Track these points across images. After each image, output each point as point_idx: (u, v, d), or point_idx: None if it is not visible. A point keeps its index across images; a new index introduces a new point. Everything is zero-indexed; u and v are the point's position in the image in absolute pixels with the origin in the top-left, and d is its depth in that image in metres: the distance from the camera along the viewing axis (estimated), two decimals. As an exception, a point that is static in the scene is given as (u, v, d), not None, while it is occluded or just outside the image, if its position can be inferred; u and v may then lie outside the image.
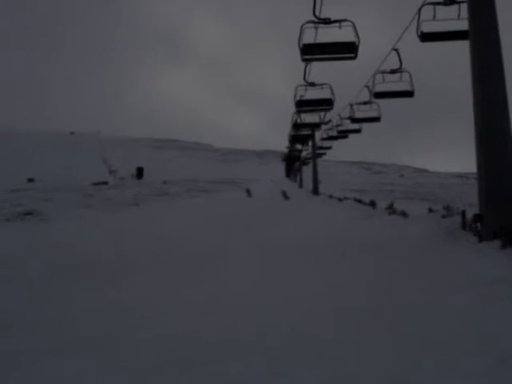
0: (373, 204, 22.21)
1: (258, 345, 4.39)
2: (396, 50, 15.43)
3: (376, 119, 22.40)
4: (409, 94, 17.56)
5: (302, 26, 11.67)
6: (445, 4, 12.64)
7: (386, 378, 3.54)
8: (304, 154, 55.96)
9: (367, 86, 18.82)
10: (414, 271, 7.59)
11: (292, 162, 72.59)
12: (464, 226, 10.62)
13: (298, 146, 52.17)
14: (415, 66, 17.41)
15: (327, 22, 11.60)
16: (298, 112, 24.39)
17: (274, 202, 31.34)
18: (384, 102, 20.94)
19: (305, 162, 59.69)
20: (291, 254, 10.35)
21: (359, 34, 11.73)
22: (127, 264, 9.94)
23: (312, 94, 17.55)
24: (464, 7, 10.88)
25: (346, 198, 30.02)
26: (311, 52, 12.03)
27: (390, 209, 18.63)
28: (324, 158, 50.14)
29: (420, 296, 5.83)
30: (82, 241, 14.41)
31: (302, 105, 18.22)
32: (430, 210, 16.11)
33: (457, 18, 12.46)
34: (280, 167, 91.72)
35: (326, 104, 18.01)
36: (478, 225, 9.69)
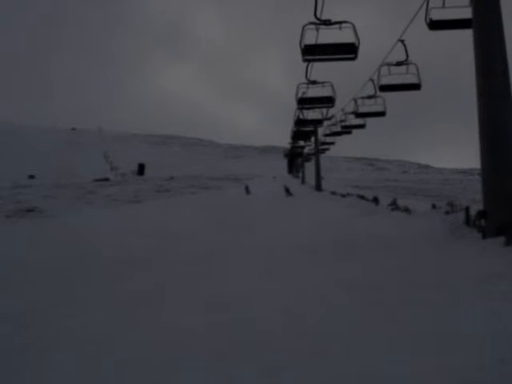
0: (376, 200, 22.04)
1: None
2: (402, 41, 15.09)
3: (381, 114, 21.98)
4: (415, 86, 17.12)
5: (303, 28, 11.89)
6: None
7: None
8: (307, 149, 55.80)
9: (372, 80, 18.50)
10: (417, 268, 7.50)
11: (294, 158, 72.55)
12: (468, 222, 10.48)
13: (301, 142, 52.00)
14: (421, 57, 17.04)
15: (328, 23, 11.80)
16: (300, 109, 24.48)
17: (276, 199, 31.22)
18: (387, 97, 20.71)
19: (307, 158, 59.58)
20: (294, 251, 10.21)
21: (359, 35, 11.88)
22: (129, 262, 9.80)
23: (314, 92, 17.72)
24: None
25: (348, 194, 29.86)
26: (312, 53, 12.25)
27: (394, 205, 18.47)
28: (327, 153, 50.09)
29: (424, 292, 5.77)
30: (83, 238, 14.28)
31: (304, 102, 18.54)
32: (434, 207, 15.95)
33: (467, 6, 12.18)
34: (282, 163, 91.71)
35: (328, 102, 18.30)
36: (482, 221, 9.54)
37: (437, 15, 12.68)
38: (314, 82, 16.87)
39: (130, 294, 6.87)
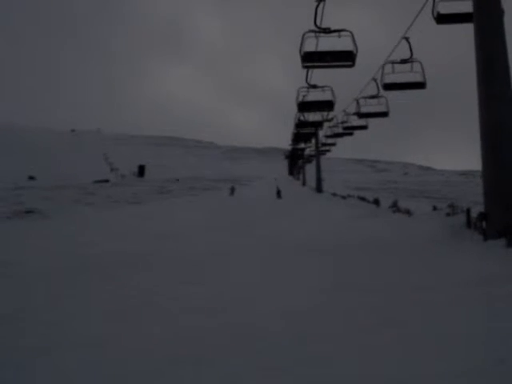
0: (377, 202, 22.04)
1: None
2: (406, 38, 14.88)
3: (384, 114, 21.57)
4: (420, 85, 16.75)
5: (303, 35, 12.13)
6: None
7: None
8: (307, 151, 55.75)
9: (375, 79, 18.24)
10: (418, 270, 7.49)
11: (295, 160, 72.55)
12: (469, 224, 10.45)
13: (302, 144, 51.95)
14: (424, 56, 16.74)
15: (327, 31, 12.09)
16: (300, 113, 24.58)
17: (276, 201, 31.19)
18: (389, 98, 20.46)
19: (308, 160, 59.56)
20: (295, 251, 10.19)
21: (357, 43, 12.10)
22: (129, 262, 9.76)
23: (314, 96, 17.78)
24: None
25: (349, 196, 29.84)
26: (311, 60, 12.46)
27: (394, 207, 18.46)
28: (328, 155, 49.99)
29: (425, 294, 5.75)
30: (82, 239, 14.24)
31: (304, 106, 18.50)
32: (435, 209, 15.94)
33: None
34: (283, 165, 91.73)
35: (327, 106, 18.30)
36: (483, 223, 9.51)
37: (444, 9, 12.53)
38: (314, 86, 16.90)
39: (130, 294, 6.82)
